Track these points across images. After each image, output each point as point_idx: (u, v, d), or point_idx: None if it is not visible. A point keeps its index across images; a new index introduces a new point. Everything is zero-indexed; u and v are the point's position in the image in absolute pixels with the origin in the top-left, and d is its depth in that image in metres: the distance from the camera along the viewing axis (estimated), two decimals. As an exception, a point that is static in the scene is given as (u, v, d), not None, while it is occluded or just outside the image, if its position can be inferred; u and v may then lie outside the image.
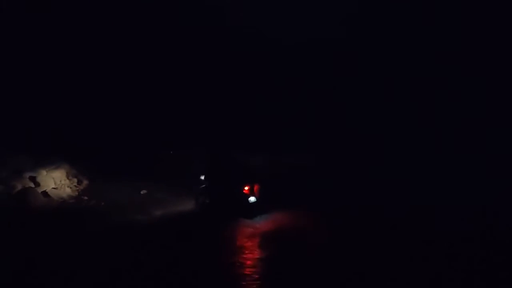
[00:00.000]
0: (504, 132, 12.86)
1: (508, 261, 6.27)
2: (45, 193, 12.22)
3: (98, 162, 15.09)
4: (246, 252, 7.75)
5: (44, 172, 12.89)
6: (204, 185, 11.46)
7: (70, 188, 13.34)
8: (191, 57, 16.83)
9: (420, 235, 8.12)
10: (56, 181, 13.03)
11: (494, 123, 13.43)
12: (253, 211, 10.38)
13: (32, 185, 12.33)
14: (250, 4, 15.49)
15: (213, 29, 16.48)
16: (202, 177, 11.54)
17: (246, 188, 10.47)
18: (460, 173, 12.19)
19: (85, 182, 14.04)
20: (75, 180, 13.82)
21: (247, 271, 6.51)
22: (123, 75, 16.55)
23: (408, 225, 8.89)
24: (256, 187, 10.62)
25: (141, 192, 13.65)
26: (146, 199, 13.32)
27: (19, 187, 12.00)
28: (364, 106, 16.12)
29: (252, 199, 10.43)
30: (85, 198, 13.08)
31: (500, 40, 14.01)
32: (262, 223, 10.03)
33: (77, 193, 13.29)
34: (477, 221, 8.92)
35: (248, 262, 7.05)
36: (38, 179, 12.54)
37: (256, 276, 6.16)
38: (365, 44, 16.18)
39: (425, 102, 15.02)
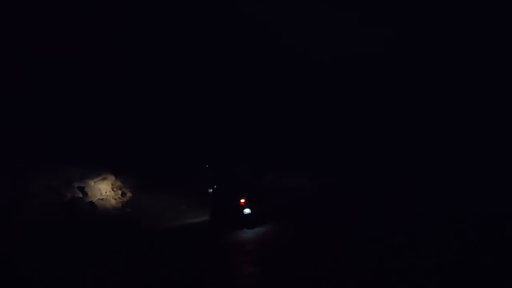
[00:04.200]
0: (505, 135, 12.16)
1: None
2: (91, 203, 12.77)
3: (140, 176, 15.68)
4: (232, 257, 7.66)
5: (91, 183, 13.50)
6: (212, 198, 12.11)
7: (115, 199, 13.85)
8: (216, 75, 17.44)
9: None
10: (102, 192, 13.58)
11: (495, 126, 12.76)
12: (247, 222, 10.61)
13: (80, 195, 12.93)
14: (280, 18, 15.75)
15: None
16: (210, 191, 12.29)
17: (242, 200, 10.81)
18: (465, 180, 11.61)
19: (129, 194, 14.54)
20: (119, 192, 14.36)
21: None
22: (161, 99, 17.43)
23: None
24: (251, 200, 10.88)
25: (182, 207, 14.01)
26: (181, 212, 14.03)
27: (69, 196, 12.61)
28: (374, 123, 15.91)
29: (247, 210, 10.70)
30: (128, 210, 13.53)
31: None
32: (257, 233, 9.93)
33: (121, 205, 13.78)
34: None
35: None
36: (86, 189, 13.15)
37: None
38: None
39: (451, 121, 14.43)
